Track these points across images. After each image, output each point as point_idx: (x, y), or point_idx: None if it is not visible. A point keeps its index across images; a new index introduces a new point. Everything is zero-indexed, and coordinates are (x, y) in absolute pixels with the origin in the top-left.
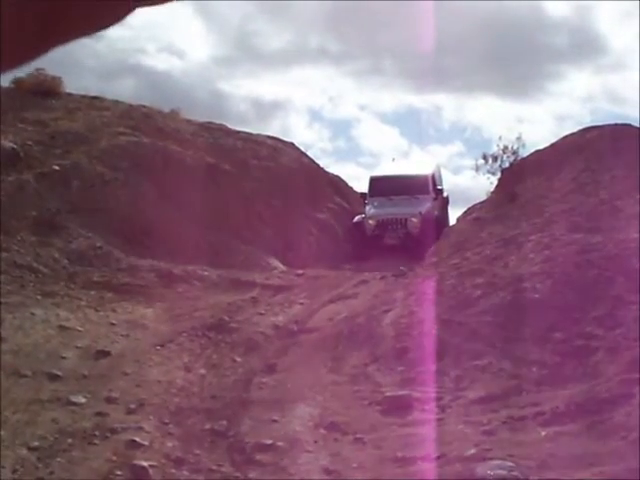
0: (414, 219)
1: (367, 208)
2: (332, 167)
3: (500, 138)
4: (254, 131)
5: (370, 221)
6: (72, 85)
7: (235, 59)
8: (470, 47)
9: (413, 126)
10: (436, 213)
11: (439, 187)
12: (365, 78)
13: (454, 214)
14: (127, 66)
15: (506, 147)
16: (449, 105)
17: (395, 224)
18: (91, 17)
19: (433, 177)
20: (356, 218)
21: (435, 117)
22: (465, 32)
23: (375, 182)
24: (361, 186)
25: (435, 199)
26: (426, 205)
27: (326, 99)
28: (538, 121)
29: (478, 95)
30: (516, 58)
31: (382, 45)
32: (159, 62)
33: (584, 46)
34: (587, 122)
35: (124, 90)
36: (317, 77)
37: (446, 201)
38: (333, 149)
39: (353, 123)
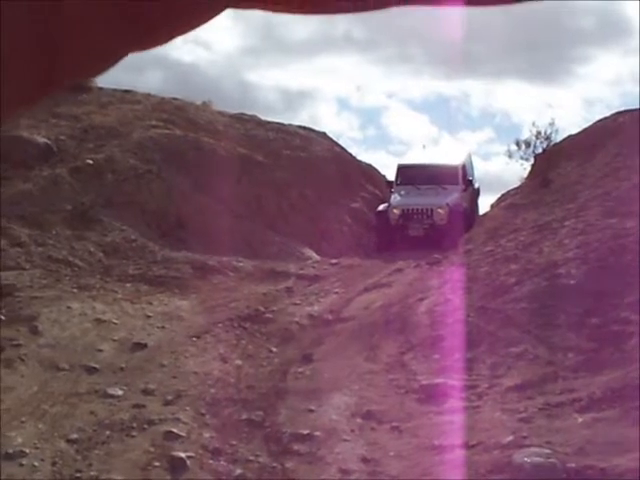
0: (441, 210)
1: (392, 197)
2: (362, 156)
3: (533, 124)
4: (283, 121)
5: (395, 210)
6: (100, 78)
7: (261, 49)
8: (498, 32)
9: (442, 113)
10: (464, 205)
11: (469, 178)
12: (392, 65)
13: (486, 201)
14: (153, 58)
15: (539, 132)
16: (478, 91)
17: (420, 214)
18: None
19: (463, 167)
20: (381, 207)
21: (464, 103)
22: (492, 17)
23: (402, 170)
24: (393, 174)
25: (464, 190)
26: (454, 196)
27: (354, 87)
28: (567, 105)
29: (506, 80)
30: (544, 42)
31: (409, 32)
32: (186, 54)
33: (612, 28)
34: (616, 105)
35: (152, 82)
36: (344, 65)
37: (476, 193)
38: (363, 138)
39: (382, 111)
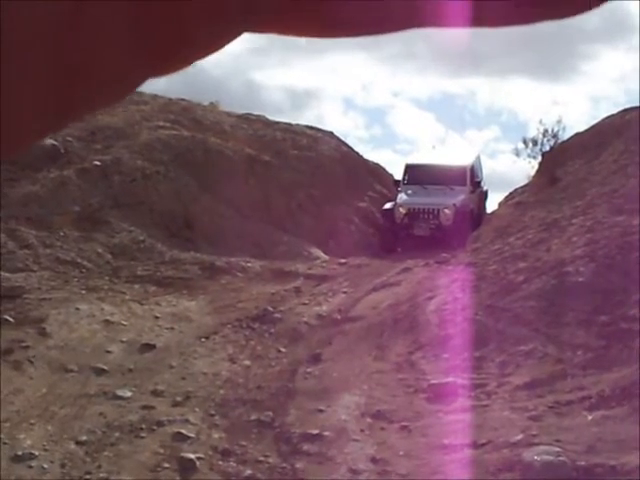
0: (447, 210)
1: (399, 195)
2: (369, 155)
3: (540, 122)
4: (289, 120)
5: (401, 208)
6: None
7: (267, 49)
8: (503, 30)
9: (449, 111)
10: (472, 206)
11: (477, 179)
12: (398, 64)
13: (493, 199)
14: None
15: (546, 130)
16: (484, 89)
17: (427, 214)
18: (113, 87)
19: (472, 168)
20: (387, 205)
21: (470, 102)
22: None
23: (410, 169)
24: (400, 173)
25: (472, 192)
26: (461, 197)
27: (359, 86)
28: (573, 102)
29: (512, 78)
30: (549, 40)
31: (414, 29)
32: None
33: (617, 25)
34: (622, 102)
35: (157, 83)
36: (350, 64)
37: (484, 195)
38: (369, 137)
39: (388, 110)
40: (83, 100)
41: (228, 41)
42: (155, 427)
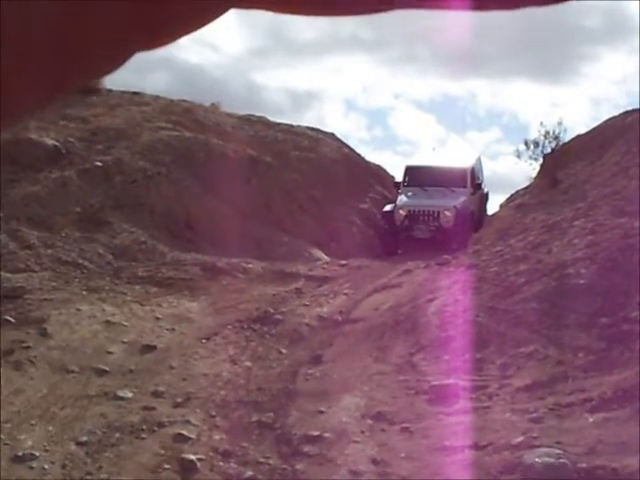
0: (448, 212)
1: (399, 197)
2: (370, 156)
3: (541, 124)
4: (290, 121)
5: (401, 211)
6: (109, 80)
7: (268, 50)
8: (504, 31)
9: (449, 113)
10: (472, 208)
11: (478, 181)
12: (399, 66)
13: (494, 201)
14: (160, 59)
15: (547, 132)
16: (485, 91)
17: (427, 216)
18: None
19: (472, 170)
20: (387, 207)
21: (471, 103)
22: (498, 16)
23: (410, 171)
24: (401, 175)
25: (473, 194)
26: (462, 199)
27: (360, 88)
28: (574, 104)
29: (513, 80)
30: (550, 41)
31: (415, 32)
32: (192, 55)
33: (619, 27)
34: (623, 104)
35: (159, 84)
36: (351, 66)
37: (485, 197)
38: (370, 138)
39: (389, 111)
40: (78, 72)
41: (215, 17)
42: (156, 428)
